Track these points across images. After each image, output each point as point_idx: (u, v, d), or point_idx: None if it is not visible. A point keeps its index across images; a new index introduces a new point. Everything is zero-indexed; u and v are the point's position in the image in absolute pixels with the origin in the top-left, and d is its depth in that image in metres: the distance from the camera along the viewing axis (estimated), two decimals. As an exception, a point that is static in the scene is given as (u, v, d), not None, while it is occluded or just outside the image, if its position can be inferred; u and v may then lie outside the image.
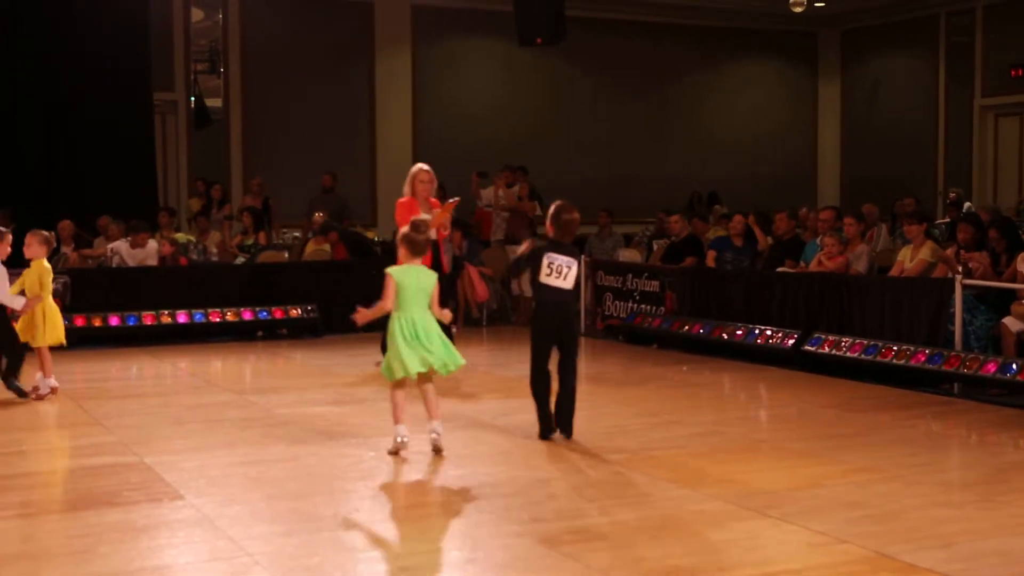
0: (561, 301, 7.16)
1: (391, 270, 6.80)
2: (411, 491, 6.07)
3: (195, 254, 14.05)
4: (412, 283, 6.74)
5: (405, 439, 6.77)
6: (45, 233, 9.22)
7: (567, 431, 7.18)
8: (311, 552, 4.91)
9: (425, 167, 10.13)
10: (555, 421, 7.18)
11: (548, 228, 7.32)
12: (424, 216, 7.30)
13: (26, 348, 8.91)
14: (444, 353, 6.77)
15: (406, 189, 10.06)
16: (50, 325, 8.89)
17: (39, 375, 8.89)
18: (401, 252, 6.95)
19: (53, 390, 8.89)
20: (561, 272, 7.08)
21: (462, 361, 6.88)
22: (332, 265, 13.62)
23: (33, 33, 15.26)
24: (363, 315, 6.91)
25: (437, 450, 6.76)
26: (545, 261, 7.08)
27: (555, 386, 7.19)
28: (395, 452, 6.76)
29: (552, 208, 7.30)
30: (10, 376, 8.78)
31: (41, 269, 8.89)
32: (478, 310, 14.05)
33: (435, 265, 9.70)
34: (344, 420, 7.91)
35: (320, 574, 4.64)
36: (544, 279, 7.09)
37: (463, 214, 15.82)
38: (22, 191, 14.90)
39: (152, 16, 16.25)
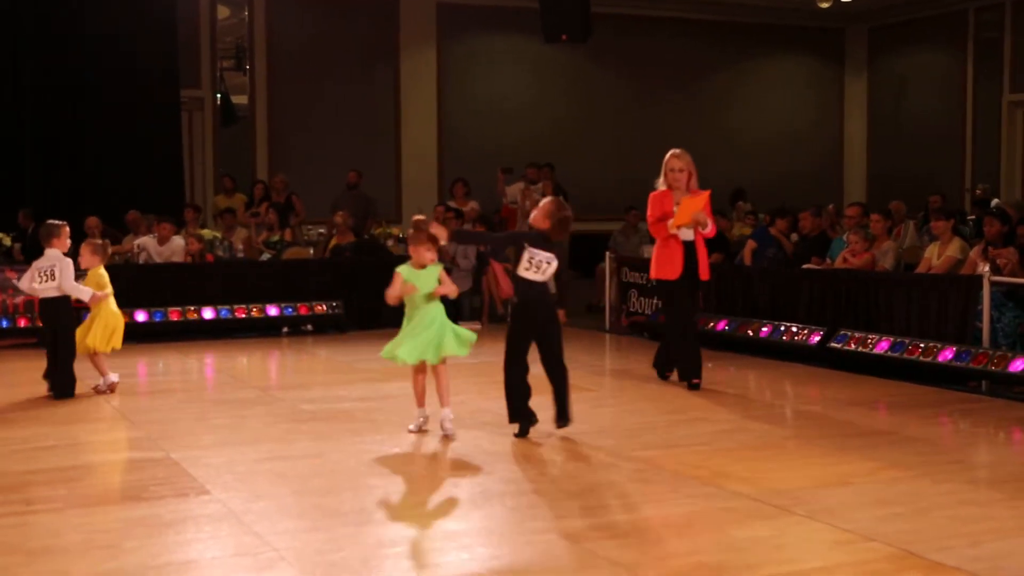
0: (540, 296, 7.14)
1: (399, 268, 7.21)
2: (436, 487, 6.08)
3: (221, 251, 14.12)
4: (416, 281, 7.12)
5: (419, 421, 7.32)
6: (98, 242, 9.42)
7: (564, 420, 7.16)
8: (336, 547, 4.92)
9: (676, 152, 8.71)
10: (556, 414, 7.16)
11: (543, 222, 7.15)
12: (420, 215, 7.37)
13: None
14: (444, 343, 7.11)
15: (660, 180, 8.75)
16: (102, 331, 8.98)
17: (101, 379, 9.05)
18: (410, 249, 7.31)
19: (111, 387, 9.03)
20: (540, 267, 7.05)
21: (462, 352, 7.21)
22: (356, 261, 13.64)
23: (62, 32, 15.37)
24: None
25: (448, 437, 7.13)
26: (526, 256, 7.05)
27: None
28: (417, 431, 7.25)
29: (550, 201, 7.22)
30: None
31: (98, 277, 9.04)
32: (503, 306, 14.05)
33: (691, 271, 8.81)
34: (369, 416, 7.93)
35: (345, 569, 4.65)
36: (523, 272, 7.07)
37: (488, 211, 15.85)
38: (48, 188, 15.02)
39: (178, 14, 16.35)
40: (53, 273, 8.77)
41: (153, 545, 4.98)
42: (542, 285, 7.10)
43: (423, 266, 7.16)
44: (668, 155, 8.76)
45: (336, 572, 4.62)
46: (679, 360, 9.14)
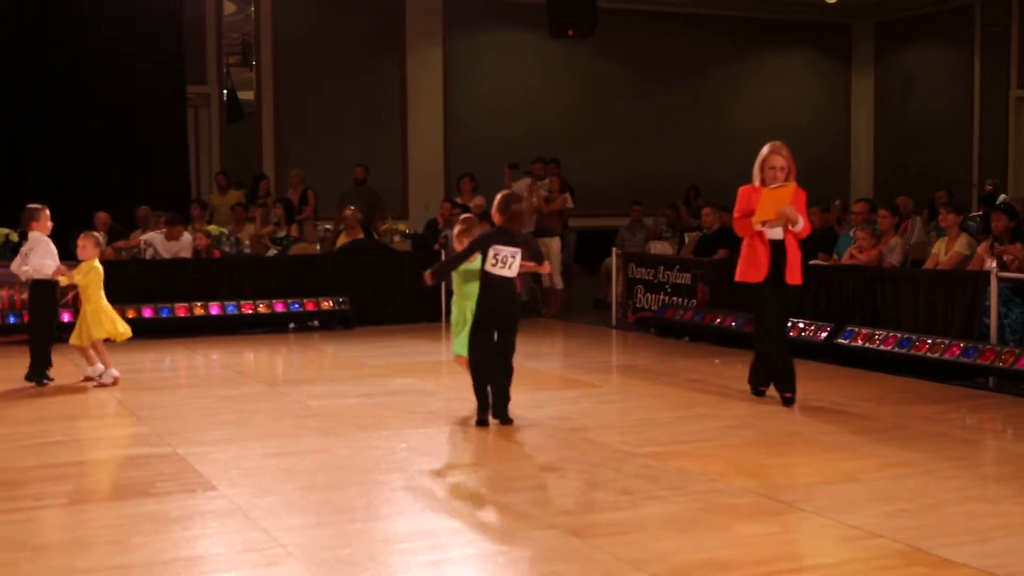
0: (508, 289, 7.41)
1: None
2: (441, 483, 6.08)
3: (228, 246, 14.11)
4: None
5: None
6: (97, 235, 9.49)
7: (504, 416, 7.35)
8: (343, 543, 4.92)
9: (776, 146, 7.94)
10: (495, 410, 7.38)
11: (496, 217, 7.44)
12: (467, 215, 7.62)
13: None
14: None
15: (755, 174, 8.03)
16: (93, 318, 9.10)
17: (104, 370, 9.14)
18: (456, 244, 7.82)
19: (114, 380, 9.13)
20: (506, 263, 7.31)
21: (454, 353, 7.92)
22: (363, 257, 13.62)
23: (67, 27, 15.39)
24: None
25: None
26: (491, 252, 7.30)
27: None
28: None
29: (499, 198, 7.47)
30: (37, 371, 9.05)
31: (91, 268, 9.13)
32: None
33: (778, 274, 7.99)
34: (376, 412, 7.93)
35: (352, 565, 4.65)
36: (490, 268, 7.31)
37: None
38: (54, 184, 15.02)
39: (184, 10, 16.36)
40: (28, 256, 8.99)
41: (160, 541, 4.98)
42: (509, 281, 7.38)
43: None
44: (767, 149, 7.99)
45: (343, 568, 4.62)
46: (769, 369, 8.29)
